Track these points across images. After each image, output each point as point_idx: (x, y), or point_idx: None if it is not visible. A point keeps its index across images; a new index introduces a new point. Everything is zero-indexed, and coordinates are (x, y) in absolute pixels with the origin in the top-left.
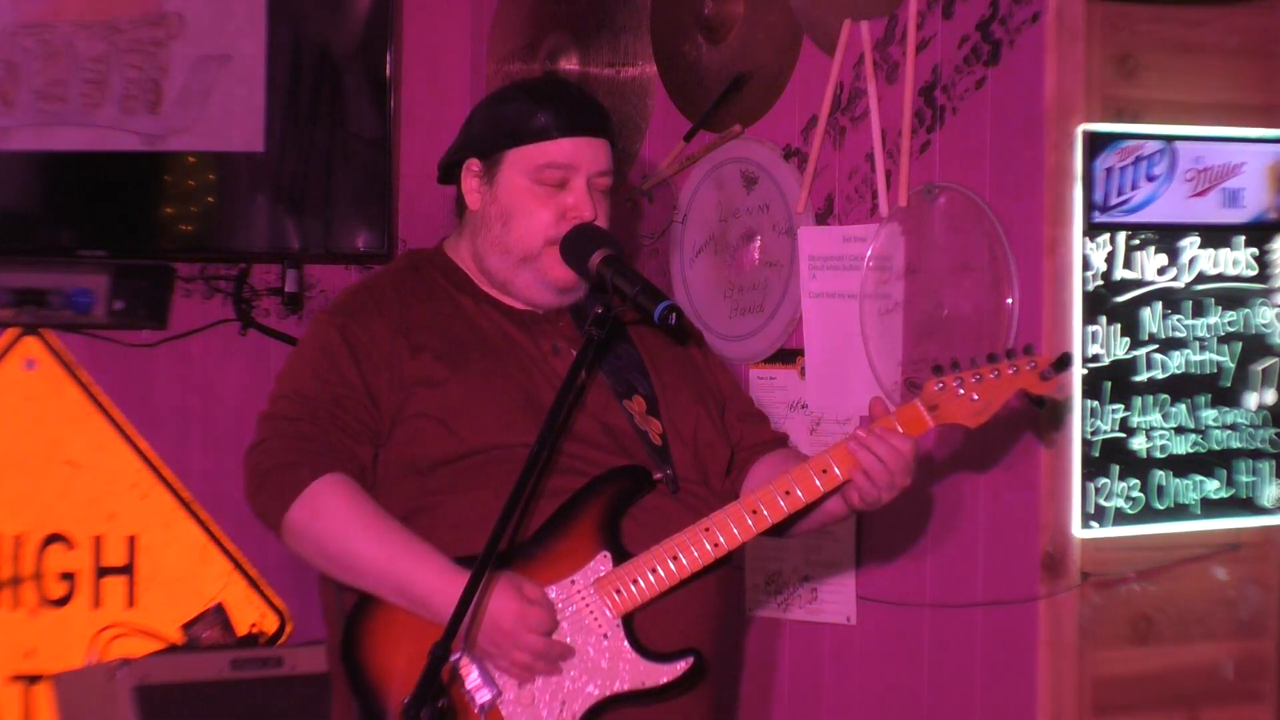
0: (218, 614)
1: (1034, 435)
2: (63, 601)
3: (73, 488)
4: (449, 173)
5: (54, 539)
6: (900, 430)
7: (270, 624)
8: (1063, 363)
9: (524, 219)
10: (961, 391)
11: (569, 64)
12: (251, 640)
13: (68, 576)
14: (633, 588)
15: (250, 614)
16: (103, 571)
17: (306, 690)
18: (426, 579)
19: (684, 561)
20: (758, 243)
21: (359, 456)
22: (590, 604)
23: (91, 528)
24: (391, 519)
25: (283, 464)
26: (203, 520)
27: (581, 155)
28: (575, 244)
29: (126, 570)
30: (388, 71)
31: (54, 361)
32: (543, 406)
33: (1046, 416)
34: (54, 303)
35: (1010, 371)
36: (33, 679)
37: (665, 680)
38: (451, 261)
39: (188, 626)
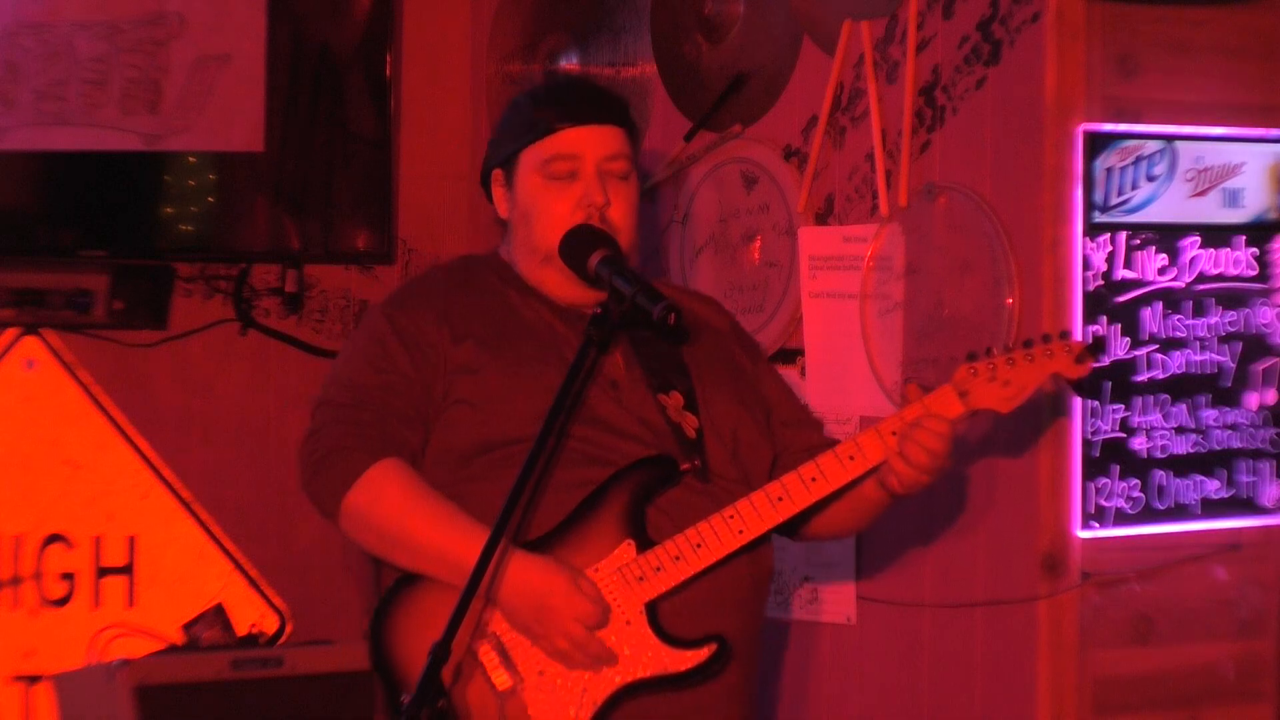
0: (218, 614)
1: (1034, 435)
2: (63, 601)
3: (73, 488)
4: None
5: (54, 539)
6: (934, 414)
7: (270, 624)
8: (1097, 346)
9: (541, 215)
10: (994, 376)
11: (569, 64)
12: (251, 640)
13: (68, 576)
14: (655, 575)
15: (250, 614)
16: (103, 571)
17: (307, 690)
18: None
19: (707, 548)
20: (758, 243)
21: (411, 443)
22: (613, 591)
23: (91, 528)
24: (448, 502)
25: (339, 449)
26: (203, 520)
27: (585, 143)
28: (573, 246)
29: (126, 570)
30: (388, 71)
31: (54, 361)
32: (578, 399)
33: (1047, 417)
34: (54, 303)
35: (1045, 354)
36: (33, 679)
37: (687, 667)
38: (503, 260)
39: (188, 626)
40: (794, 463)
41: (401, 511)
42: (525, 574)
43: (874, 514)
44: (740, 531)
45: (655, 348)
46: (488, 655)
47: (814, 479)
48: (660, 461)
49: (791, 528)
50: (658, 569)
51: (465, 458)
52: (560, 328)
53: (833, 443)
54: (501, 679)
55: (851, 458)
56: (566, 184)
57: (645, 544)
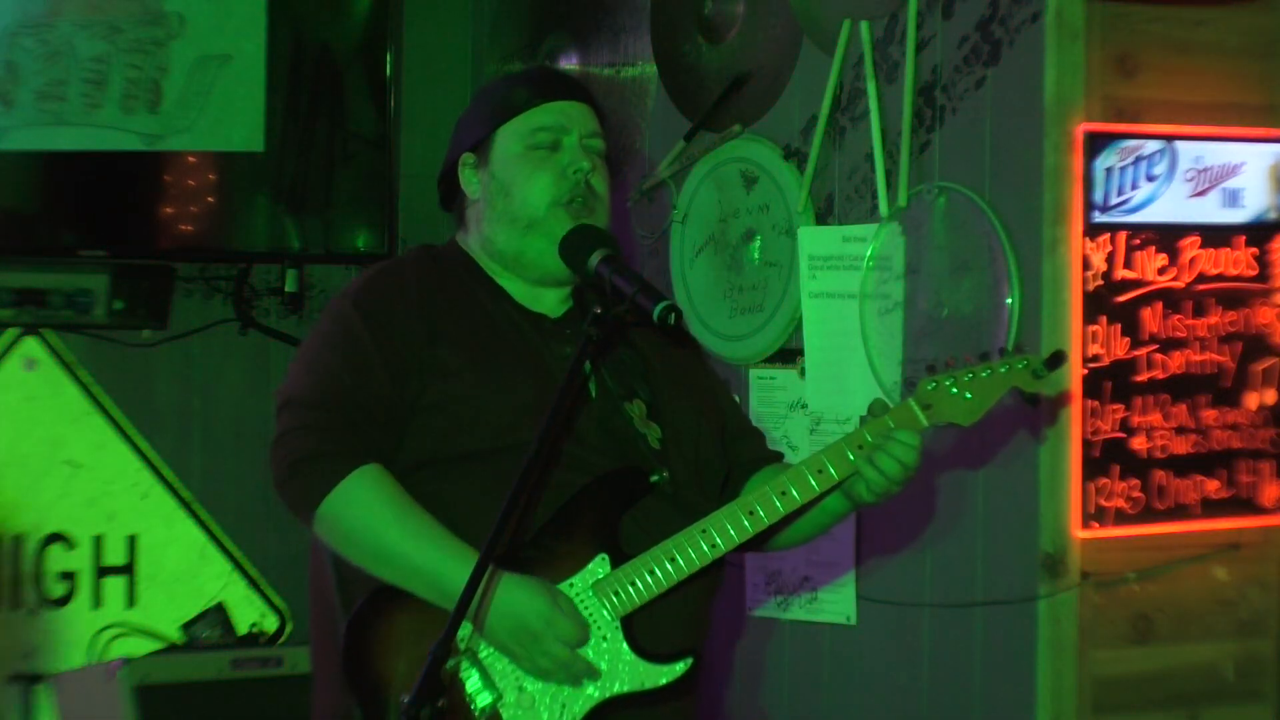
0: (218, 614)
1: (1034, 435)
2: (63, 601)
3: (73, 488)
4: (448, 188)
5: (54, 539)
6: (902, 428)
7: (270, 624)
8: (1055, 360)
9: (524, 184)
10: (955, 390)
11: (569, 64)
12: (251, 640)
13: (68, 576)
14: (631, 590)
15: (250, 614)
16: (103, 571)
17: (307, 690)
18: (462, 576)
19: (681, 563)
20: (758, 243)
21: (387, 448)
22: (589, 606)
23: (91, 528)
24: (425, 513)
25: (316, 454)
26: (203, 520)
27: (568, 116)
28: (573, 244)
29: (126, 570)
30: (388, 71)
31: (54, 361)
32: (568, 406)
33: (1047, 417)
34: (54, 303)
35: (1003, 370)
36: (33, 679)
37: (665, 681)
38: (466, 255)
39: (188, 626)
40: (744, 475)
41: (379, 523)
42: (508, 596)
43: (834, 524)
44: (714, 546)
45: (618, 351)
46: (467, 672)
47: (783, 494)
48: (631, 473)
49: (757, 540)
50: (633, 583)
51: (435, 465)
52: (531, 336)
53: (777, 455)
54: (482, 696)
55: (820, 471)
56: (549, 154)
57: (619, 558)
